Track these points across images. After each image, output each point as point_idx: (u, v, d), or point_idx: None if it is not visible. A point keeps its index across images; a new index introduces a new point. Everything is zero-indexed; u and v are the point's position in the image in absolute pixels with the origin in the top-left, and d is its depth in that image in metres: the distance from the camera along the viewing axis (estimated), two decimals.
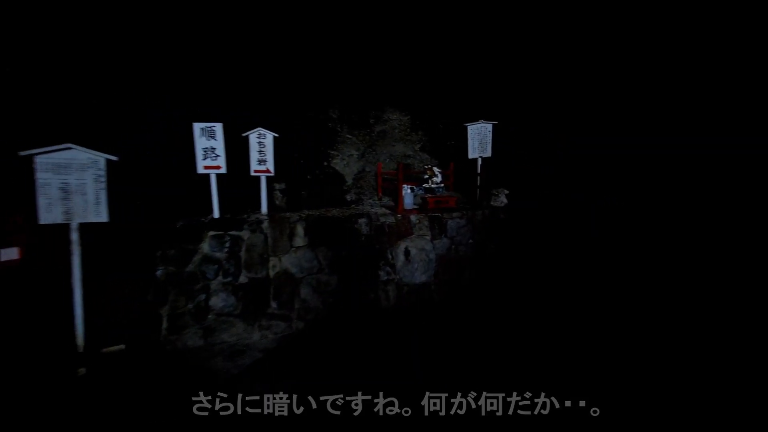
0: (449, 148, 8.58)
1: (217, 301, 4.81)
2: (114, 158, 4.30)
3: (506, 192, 6.95)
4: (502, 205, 6.84)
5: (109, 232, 4.62)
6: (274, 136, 5.66)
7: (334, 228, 5.49)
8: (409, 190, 6.09)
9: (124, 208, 4.85)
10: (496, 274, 6.29)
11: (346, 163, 7.48)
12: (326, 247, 5.42)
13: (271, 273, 5.13)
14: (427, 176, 6.68)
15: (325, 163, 7.23)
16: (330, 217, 5.64)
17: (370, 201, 6.98)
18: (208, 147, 5.28)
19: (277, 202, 6.32)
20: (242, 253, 5.05)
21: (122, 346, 4.56)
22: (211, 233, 4.94)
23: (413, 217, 5.98)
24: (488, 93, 8.84)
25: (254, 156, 5.62)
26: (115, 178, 4.50)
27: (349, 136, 8.19)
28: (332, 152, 7.47)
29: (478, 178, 7.02)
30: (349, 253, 5.49)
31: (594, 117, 8.25)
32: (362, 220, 5.65)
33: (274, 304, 5.06)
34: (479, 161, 7.07)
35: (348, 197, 6.92)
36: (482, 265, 6.33)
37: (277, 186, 6.37)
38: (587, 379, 3.60)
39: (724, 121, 5.95)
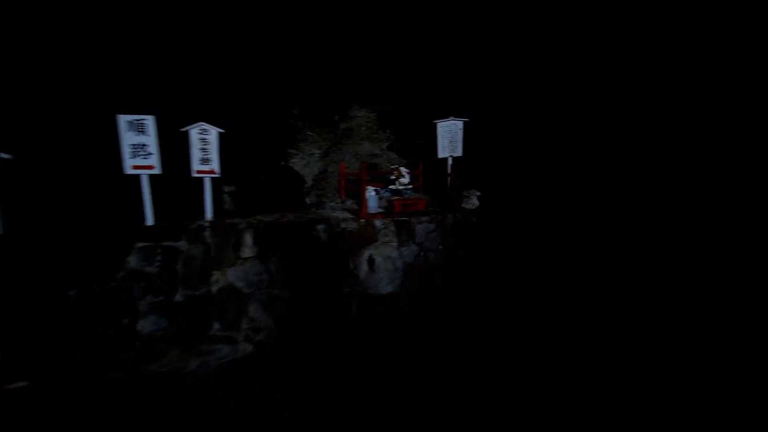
0: (419, 146, 8.12)
1: (145, 325, 4.10)
2: (6, 156, 3.52)
3: (478, 194, 6.55)
4: (474, 207, 6.44)
5: (15, 244, 3.83)
6: (220, 132, 4.99)
7: (288, 235, 4.88)
8: (373, 193, 5.56)
9: (31, 217, 4.06)
10: (468, 282, 5.87)
11: (306, 162, 6.86)
12: (279, 257, 4.80)
13: (214, 289, 4.47)
14: (393, 177, 6.18)
15: (283, 163, 6.58)
16: (284, 224, 5.02)
17: (332, 204, 6.40)
18: (138, 143, 4.54)
19: (227, 207, 5.64)
20: (179, 267, 4.35)
21: (25, 383, 3.79)
22: (140, 245, 4.22)
23: (378, 222, 5.45)
24: (460, 89, 8.44)
25: (196, 154, 4.93)
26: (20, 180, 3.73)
27: (311, 134, 7.56)
28: (291, 151, 6.83)
29: (449, 178, 6.58)
30: (305, 264, 4.90)
31: (574, 114, 7.98)
32: (321, 227, 5.07)
33: (216, 325, 4.40)
34: (449, 161, 6.64)
35: (308, 200, 6.31)
36: (453, 272, 5.89)
37: (225, 189, 5.68)
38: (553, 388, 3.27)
39: (713, 121, 5.79)
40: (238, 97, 6.32)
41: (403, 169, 6.20)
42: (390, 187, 6.21)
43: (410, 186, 6.26)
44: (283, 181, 6.33)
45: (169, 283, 4.25)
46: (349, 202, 6.49)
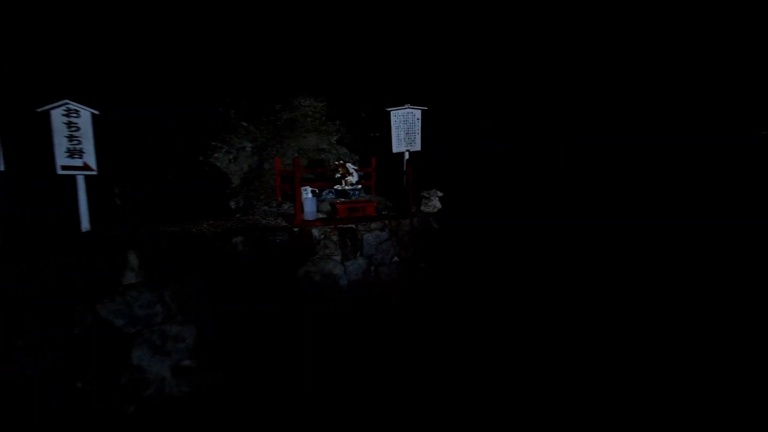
0: (374, 140, 7.11)
1: None
2: None
3: (440, 194, 5.63)
4: (435, 210, 5.51)
5: None
6: (93, 114, 3.73)
7: (194, 252, 3.70)
8: (310, 194, 4.48)
9: None
10: (430, 299, 4.92)
11: (233, 157, 5.64)
12: (180, 282, 3.61)
13: (78, 330, 3.22)
14: (339, 175, 5.13)
15: (201, 158, 5.34)
16: (192, 236, 3.84)
17: (266, 209, 5.26)
18: None
19: (118, 214, 4.36)
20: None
21: None
22: None
23: (316, 231, 4.38)
24: (421, 75, 7.51)
25: (61, 144, 3.65)
26: None
27: (244, 123, 6.35)
28: (215, 143, 5.59)
29: (405, 177, 5.61)
30: (217, 290, 3.74)
31: (545, 106, 7.33)
32: (239, 239, 3.93)
33: (79, 384, 3.15)
34: (406, 156, 5.67)
35: (232, 203, 5.13)
36: (411, 288, 4.93)
37: (116, 190, 4.40)
38: None
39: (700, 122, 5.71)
40: (142, 75, 5.01)
41: (350, 166, 5.16)
42: (335, 187, 5.16)
43: (359, 186, 5.23)
44: (201, 181, 5.09)
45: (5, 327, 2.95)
46: (286, 206, 5.38)
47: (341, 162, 5.10)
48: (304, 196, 4.53)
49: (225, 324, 3.74)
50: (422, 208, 5.49)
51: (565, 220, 5.58)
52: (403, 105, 5.55)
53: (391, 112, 5.50)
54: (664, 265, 4.24)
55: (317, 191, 4.67)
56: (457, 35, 7.64)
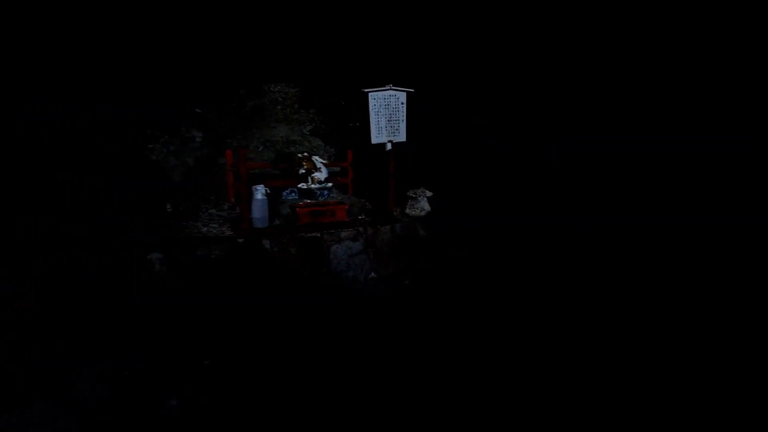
0: (354, 131, 6.14)
1: None
2: None
3: (428, 194, 4.66)
4: (423, 213, 4.54)
5: None
6: None
7: (73, 272, 2.72)
8: (260, 195, 3.50)
9: None
10: (416, 326, 3.93)
11: (175, 149, 4.65)
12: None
13: None
14: (303, 171, 4.15)
15: (132, 150, 4.33)
16: (88, 255, 2.86)
17: (213, 212, 4.27)
18: None
19: None
20: None
21: None
22: None
23: (267, 243, 3.40)
24: (407, 57, 6.57)
25: None
26: None
27: (198, 111, 5.35)
28: (150, 131, 4.58)
29: (389, 173, 4.64)
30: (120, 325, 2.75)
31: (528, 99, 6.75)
32: (156, 256, 2.94)
33: None
34: (388, 147, 4.70)
35: (169, 206, 4.13)
36: (391, 317, 3.95)
37: None
38: None
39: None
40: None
41: (317, 160, 4.18)
42: (299, 186, 4.18)
43: (329, 185, 4.26)
44: (132, 177, 4.09)
45: None
46: (238, 210, 4.39)
47: (305, 155, 4.12)
48: (255, 196, 3.55)
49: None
50: (408, 210, 4.53)
51: (560, 219, 4.90)
52: (385, 86, 4.56)
53: (369, 95, 4.52)
54: (658, 263, 3.60)
55: (269, 191, 3.68)
56: (450, 27, 7.08)
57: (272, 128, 5.77)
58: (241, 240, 3.31)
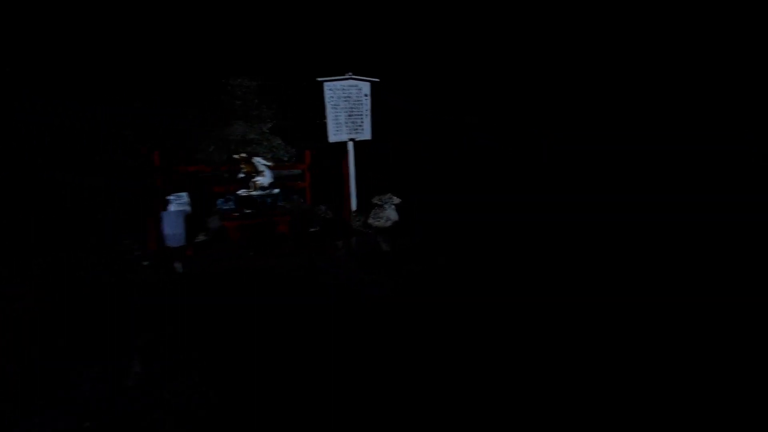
0: (320, 129, 5.47)
1: None
2: None
3: (396, 201, 3.98)
4: (389, 224, 3.87)
5: None
6: None
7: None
8: (174, 206, 2.83)
9: None
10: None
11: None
12: None
13: None
14: (242, 175, 3.48)
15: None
16: None
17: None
18: None
19: None
20: None
21: None
22: None
23: (180, 266, 2.73)
24: (397, 51, 6.01)
25: None
26: None
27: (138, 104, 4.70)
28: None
29: (349, 176, 3.97)
30: None
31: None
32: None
33: None
34: (350, 147, 4.03)
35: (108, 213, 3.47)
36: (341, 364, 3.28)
37: None
38: None
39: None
40: None
41: (258, 161, 3.52)
42: (239, 192, 3.51)
43: (276, 191, 3.60)
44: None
45: None
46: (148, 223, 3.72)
47: (242, 156, 3.46)
48: (170, 206, 2.88)
49: None
50: (371, 221, 3.85)
51: (552, 217, 4.40)
52: (344, 75, 3.89)
53: (325, 84, 3.85)
54: (648, 261, 3.05)
55: (189, 201, 3.01)
56: (444, 23, 6.67)
57: (228, 126, 5.12)
58: (146, 263, 2.65)
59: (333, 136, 3.92)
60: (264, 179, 3.46)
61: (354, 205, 4.04)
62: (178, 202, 2.87)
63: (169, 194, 3.04)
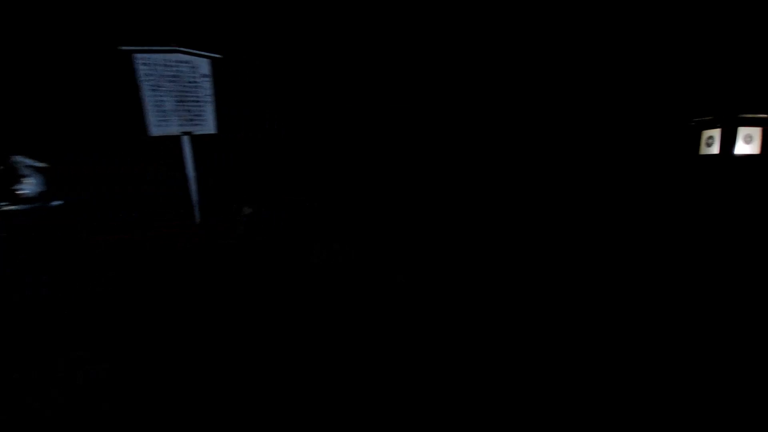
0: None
1: None
2: None
3: (248, 211, 3.18)
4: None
5: None
6: None
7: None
8: None
9: None
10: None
11: None
12: None
13: None
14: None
15: None
16: None
17: None
18: None
19: None
20: None
21: None
22: None
23: None
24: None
25: None
26: None
27: None
28: None
29: (190, 181, 3.06)
30: None
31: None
32: None
33: None
34: (184, 143, 3.11)
35: None
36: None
37: None
38: None
39: None
40: None
41: (21, 161, 2.44)
42: None
43: (58, 203, 2.54)
44: None
45: None
46: None
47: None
48: None
49: None
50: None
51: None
52: (169, 45, 2.94)
53: (138, 58, 2.86)
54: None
55: None
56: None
57: None
58: None
59: (155, 129, 2.96)
60: (30, 187, 2.40)
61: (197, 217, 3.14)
62: None
63: None
